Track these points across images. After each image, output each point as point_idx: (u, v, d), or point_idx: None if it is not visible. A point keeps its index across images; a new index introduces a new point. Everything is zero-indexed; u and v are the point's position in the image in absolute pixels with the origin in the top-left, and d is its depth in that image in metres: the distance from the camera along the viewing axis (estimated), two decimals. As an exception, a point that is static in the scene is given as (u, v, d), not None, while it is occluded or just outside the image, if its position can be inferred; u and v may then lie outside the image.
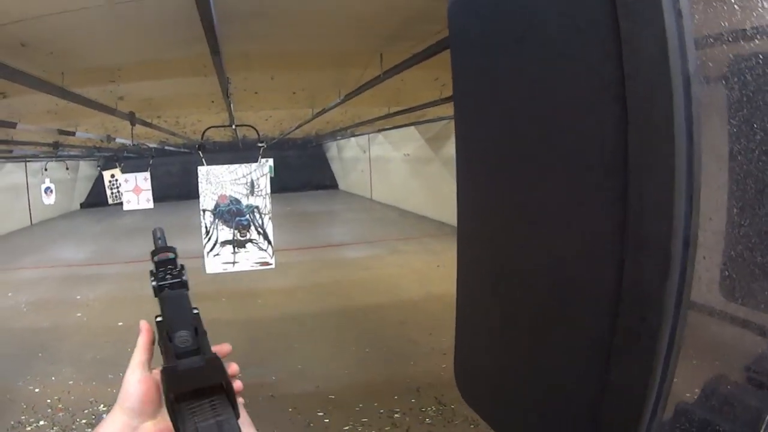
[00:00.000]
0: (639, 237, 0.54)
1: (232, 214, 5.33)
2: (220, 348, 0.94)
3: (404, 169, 18.52)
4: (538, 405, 0.74)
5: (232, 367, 0.95)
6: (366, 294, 9.28)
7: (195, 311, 0.90)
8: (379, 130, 17.76)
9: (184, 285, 0.91)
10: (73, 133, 8.65)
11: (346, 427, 4.95)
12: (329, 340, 7.36)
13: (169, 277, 0.90)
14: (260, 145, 5.43)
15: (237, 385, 0.90)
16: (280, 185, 22.42)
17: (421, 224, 15.02)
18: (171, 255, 0.95)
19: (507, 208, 0.78)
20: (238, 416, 0.79)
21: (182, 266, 0.95)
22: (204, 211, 5.30)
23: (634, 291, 0.56)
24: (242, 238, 5.34)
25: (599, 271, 0.59)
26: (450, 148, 14.27)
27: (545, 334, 0.71)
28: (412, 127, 15.57)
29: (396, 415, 5.13)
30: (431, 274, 10.15)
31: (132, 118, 7.03)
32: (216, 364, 0.79)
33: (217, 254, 5.36)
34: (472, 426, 4.76)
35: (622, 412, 0.59)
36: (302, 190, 26.12)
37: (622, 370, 0.58)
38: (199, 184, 5.26)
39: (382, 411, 5.23)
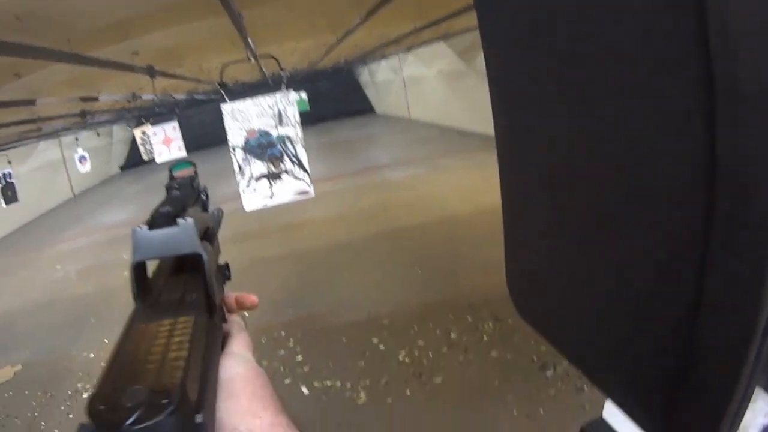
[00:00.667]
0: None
1: (262, 147, 5.25)
2: (245, 297, 0.90)
3: (439, 86, 18.08)
4: (608, 321, 0.65)
5: (250, 299, 0.90)
6: (411, 214, 9.15)
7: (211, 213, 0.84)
8: (409, 49, 17.39)
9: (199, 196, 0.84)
10: (96, 98, 8.56)
11: (403, 351, 4.90)
12: (377, 264, 7.30)
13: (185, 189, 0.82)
14: (282, 72, 5.27)
15: (251, 299, 0.89)
16: (315, 116, 22.32)
17: (462, 139, 14.73)
18: (190, 170, 0.88)
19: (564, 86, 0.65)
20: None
21: (203, 186, 0.89)
22: (234, 148, 5.23)
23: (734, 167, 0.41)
24: (276, 170, 5.27)
25: (690, 144, 0.45)
26: (482, 60, 13.88)
27: (617, 237, 0.60)
28: (442, 43, 15.19)
29: (452, 335, 5.05)
30: (477, 187, 9.94)
31: (151, 71, 6.87)
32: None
33: (254, 190, 5.30)
34: (532, 342, 4.65)
35: (726, 327, 0.47)
36: (338, 118, 25.98)
37: (725, 275, 0.45)
38: (225, 122, 5.17)
39: (438, 332, 5.15)
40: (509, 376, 4.31)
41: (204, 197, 0.85)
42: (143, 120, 10.02)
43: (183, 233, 0.65)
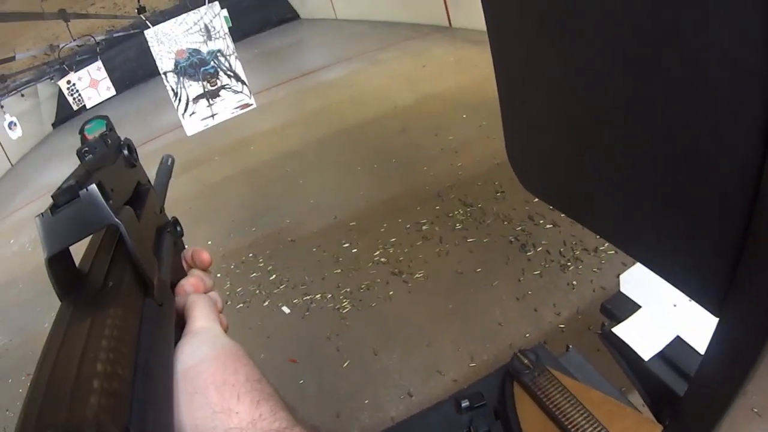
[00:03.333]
0: None
1: (194, 66, 5.02)
2: (196, 254, 0.78)
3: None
4: (655, 185, 0.59)
5: (201, 256, 0.77)
6: (358, 111, 8.94)
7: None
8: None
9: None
10: (12, 58, 8.09)
11: (377, 252, 4.80)
12: (333, 166, 7.16)
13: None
14: (202, -18, 4.95)
15: (203, 257, 0.77)
16: (240, 32, 21.71)
17: (394, 30, 14.42)
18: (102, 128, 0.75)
19: None
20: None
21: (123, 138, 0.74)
22: (165, 73, 4.98)
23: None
24: (213, 87, 5.07)
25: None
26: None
27: (651, 84, 0.53)
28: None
29: (424, 227, 4.96)
30: (419, 75, 9.80)
31: (64, 15, 6.44)
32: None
33: (193, 113, 5.11)
34: (505, 223, 4.60)
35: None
36: (263, 30, 25.41)
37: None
38: (151, 48, 4.90)
39: (408, 225, 5.06)
40: (490, 261, 4.24)
41: (126, 152, 0.70)
42: (66, 69, 9.56)
43: (87, 206, 0.52)
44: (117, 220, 0.52)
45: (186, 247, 0.81)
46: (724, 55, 0.44)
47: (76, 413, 0.37)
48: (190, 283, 0.71)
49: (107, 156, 0.65)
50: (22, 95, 18.92)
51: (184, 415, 0.52)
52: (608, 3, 0.54)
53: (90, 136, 0.71)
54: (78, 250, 0.56)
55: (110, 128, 0.73)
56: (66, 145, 18.17)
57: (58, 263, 0.52)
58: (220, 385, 0.54)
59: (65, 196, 0.51)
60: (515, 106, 0.91)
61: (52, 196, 0.52)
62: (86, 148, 0.65)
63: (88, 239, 0.60)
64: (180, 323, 0.64)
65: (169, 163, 0.88)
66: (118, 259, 0.57)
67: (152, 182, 0.80)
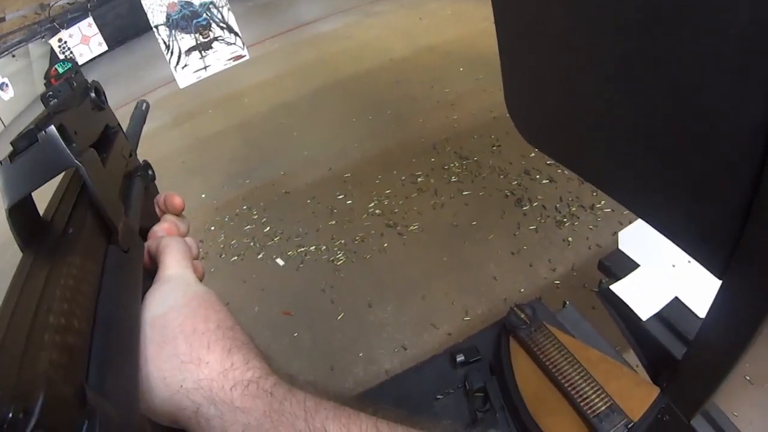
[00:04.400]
0: None
1: (186, 18, 4.94)
2: (169, 199, 0.75)
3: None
4: (662, 143, 0.58)
5: (174, 201, 0.75)
6: (353, 62, 8.82)
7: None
8: None
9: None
10: (2, 19, 7.94)
11: (372, 204, 4.78)
12: (328, 118, 7.08)
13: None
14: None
15: (176, 201, 0.75)
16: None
17: (391, -20, 14.20)
18: (67, 67, 0.62)
19: None
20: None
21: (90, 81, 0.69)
22: (156, 27, 4.91)
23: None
24: (206, 39, 5.00)
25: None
26: None
27: (662, 44, 0.52)
28: None
29: (419, 179, 4.93)
30: (415, 28, 9.67)
31: None
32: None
33: (185, 65, 5.05)
34: (501, 177, 4.58)
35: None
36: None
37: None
38: (142, 2, 4.81)
39: (403, 177, 5.03)
40: (486, 214, 4.23)
41: (93, 94, 0.66)
42: (57, 28, 9.42)
43: (47, 149, 0.49)
44: (77, 162, 0.50)
45: (159, 191, 0.79)
46: (741, 23, 0.42)
47: (26, 371, 0.35)
48: (162, 228, 0.69)
49: (72, 99, 0.62)
50: (14, 56, 18.68)
51: (151, 367, 0.50)
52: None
53: (57, 80, 0.68)
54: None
55: (76, 71, 0.69)
56: (60, 103, 18.07)
57: (20, 212, 0.50)
58: (189, 334, 0.52)
59: (24, 141, 0.49)
60: (516, 58, 0.89)
61: (11, 143, 0.50)
62: (50, 92, 0.62)
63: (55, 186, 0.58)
64: (152, 270, 0.62)
65: (143, 108, 0.86)
66: (81, 204, 0.55)
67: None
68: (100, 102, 0.67)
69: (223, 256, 4.70)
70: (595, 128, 0.71)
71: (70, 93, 0.63)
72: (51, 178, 0.50)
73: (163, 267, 0.61)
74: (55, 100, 0.61)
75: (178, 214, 0.75)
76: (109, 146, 0.64)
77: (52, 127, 0.48)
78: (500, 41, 0.91)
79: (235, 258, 4.66)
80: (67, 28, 8.93)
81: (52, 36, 9.43)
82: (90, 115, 0.64)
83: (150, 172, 0.77)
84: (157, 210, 0.75)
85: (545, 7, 0.68)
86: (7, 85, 13.08)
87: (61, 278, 0.45)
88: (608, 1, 0.56)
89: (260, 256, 4.61)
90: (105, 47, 8.98)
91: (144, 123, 0.85)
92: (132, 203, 0.65)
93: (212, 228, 5.19)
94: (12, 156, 0.49)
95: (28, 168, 0.49)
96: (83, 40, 8.73)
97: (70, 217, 0.53)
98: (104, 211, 0.53)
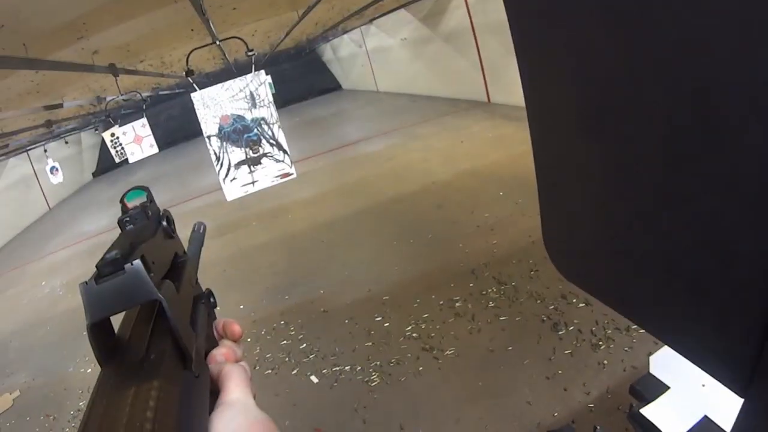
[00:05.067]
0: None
1: (238, 132, 5.13)
2: (228, 326, 0.77)
3: (405, 54, 17.92)
4: (683, 271, 0.61)
5: (233, 328, 0.77)
6: (395, 185, 9.03)
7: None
8: (371, 21, 17.25)
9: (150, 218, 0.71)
10: (60, 105, 8.40)
11: (408, 328, 4.78)
12: (370, 239, 7.17)
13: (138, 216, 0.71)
14: (250, 54, 5.12)
15: (235, 329, 0.77)
16: (282, 99, 22.19)
17: (433, 105, 14.65)
18: (143, 197, 0.76)
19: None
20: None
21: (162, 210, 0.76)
22: (209, 137, 5.10)
23: None
24: (255, 155, 5.16)
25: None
26: (446, 24, 13.79)
27: (698, 175, 0.55)
28: (403, 10, 15.06)
29: (457, 304, 4.93)
30: (456, 151, 9.89)
31: (113, 69, 6.69)
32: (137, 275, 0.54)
33: (234, 178, 5.19)
34: (538, 302, 4.57)
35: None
36: (306, 99, 25.95)
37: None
38: (197, 111, 5.04)
39: (441, 302, 5.04)
40: (522, 340, 4.20)
41: (165, 223, 0.72)
42: (111, 122, 9.86)
43: (132, 280, 0.54)
44: (160, 295, 0.54)
45: (217, 317, 0.82)
46: (759, 155, 0.47)
47: None
48: (221, 353, 0.72)
49: (147, 227, 0.67)
50: (66, 142, 19.42)
51: None
52: (646, 100, 0.57)
53: (130, 204, 0.73)
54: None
55: (150, 199, 0.75)
56: (104, 196, 18.51)
57: (100, 330, 0.55)
58: None
59: (110, 268, 0.53)
60: (553, 193, 0.94)
61: (96, 266, 0.54)
62: (127, 218, 0.68)
63: None
64: (212, 393, 0.65)
65: (201, 231, 0.89)
66: (159, 331, 0.59)
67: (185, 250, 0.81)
68: (170, 230, 0.72)
69: (257, 368, 4.70)
70: (624, 261, 0.75)
71: (145, 221, 0.68)
72: (133, 306, 0.55)
73: (225, 391, 0.63)
74: (131, 225, 0.67)
75: (236, 340, 0.78)
76: (179, 275, 0.69)
77: (139, 262, 0.53)
78: (537, 176, 0.96)
79: (269, 372, 4.65)
80: (121, 124, 9.30)
81: (105, 129, 9.82)
82: (162, 243, 0.69)
83: (212, 299, 0.80)
84: (216, 335, 0.78)
85: (577, 144, 0.74)
86: (57, 170, 13.55)
87: (149, 399, 0.49)
88: (635, 137, 0.61)
89: (294, 372, 4.59)
90: (156, 149, 9.29)
91: (202, 246, 0.88)
92: (199, 329, 0.68)
93: (248, 340, 5.20)
94: (97, 278, 0.53)
95: (113, 293, 0.53)
96: (136, 140, 9.06)
97: (149, 343, 0.57)
98: (181, 340, 0.58)
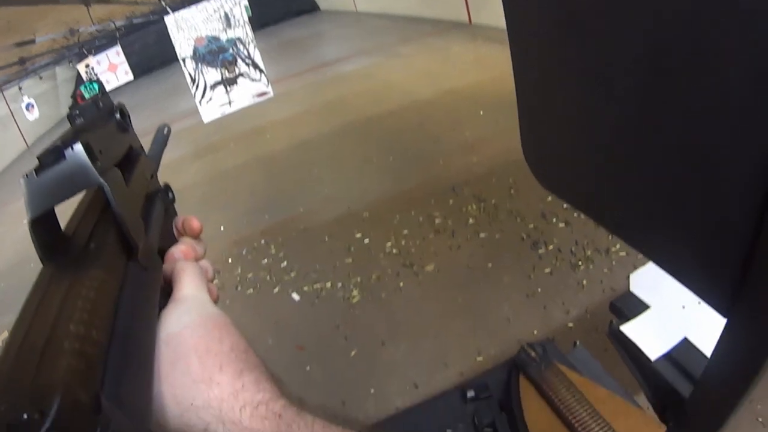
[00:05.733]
0: None
1: (213, 53, 5.04)
2: (187, 221, 0.76)
3: (386, -28, 17.39)
4: (668, 187, 0.61)
5: (191, 224, 0.76)
6: (376, 103, 8.93)
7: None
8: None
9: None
10: (33, 41, 8.12)
11: (389, 243, 4.80)
12: (349, 157, 7.15)
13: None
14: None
15: (193, 224, 0.76)
16: (258, 22, 21.67)
17: (415, 25, 14.37)
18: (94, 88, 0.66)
19: None
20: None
21: (116, 103, 0.71)
22: (183, 59, 5.00)
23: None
24: (231, 75, 5.08)
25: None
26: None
27: (671, 89, 0.54)
28: None
29: (437, 220, 4.95)
30: (438, 71, 9.77)
31: (85, 0, 6.44)
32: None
33: (210, 99, 5.12)
34: (518, 220, 4.59)
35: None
36: (282, 20, 25.37)
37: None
38: (171, 34, 4.91)
39: (421, 218, 5.05)
40: (501, 257, 4.24)
41: (118, 115, 0.68)
42: (85, 54, 9.62)
43: (73, 166, 0.51)
44: (102, 180, 0.52)
45: (178, 213, 0.80)
46: (747, 68, 0.44)
47: (43, 376, 0.36)
48: (179, 250, 0.70)
49: (98, 118, 0.64)
50: (41, 78, 19.01)
51: (163, 384, 0.51)
52: (628, 3, 0.54)
53: (84, 100, 0.70)
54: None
55: (103, 92, 0.72)
56: (81, 129, 18.27)
57: (42, 226, 0.52)
58: (202, 354, 0.53)
59: (51, 157, 0.50)
60: (533, 104, 0.91)
61: (37, 157, 0.51)
62: (77, 111, 0.65)
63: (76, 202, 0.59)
64: (168, 290, 0.63)
65: (165, 132, 0.88)
66: (103, 221, 0.56)
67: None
68: (124, 123, 0.69)
69: (239, 288, 4.73)
70: (606, 170, 0.73)
71: (96, 113, 0.65)
72: (75, 194, 0.52)
73: (179, 287, 0.62)
74: (81, 119, 0.64)
75: (196, 237, 0.77)
76: (132, 167, 0.66)
77: (79, 145, 0.50)
78: (517, 85, 0.93)
79: (251, 291, 4.69)
80: (95, 54, 9.10)
81: (80, 61, 9.62)
82: (115, 135, 0.66)
83: (170, 194, 0.79)
84: (175, 232, 0.77)
85: (559, 48, 0.71)
86: (32, 106, 13.31)
87: (83, 289, 0.47)
88: (618, 44, 0.58)
89: (276, 290, 4.63)
90: (131, 76, 9.15)
91: (165, 146, 0.87)
92: (152, 223, 0.66)
93: (229, 260, 5.22)
94: (37, 170, 0.50)
95: (53, 183, 0.50)
96: (110, 68, 8.91)
97: (91, 233, 0.55)
98: (126, 229, 0.55)
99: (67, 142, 0.51)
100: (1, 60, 9.10)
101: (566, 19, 0.66)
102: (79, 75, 11.70)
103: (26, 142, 19.37)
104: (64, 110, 24.88)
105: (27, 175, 0.50)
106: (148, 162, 0.76)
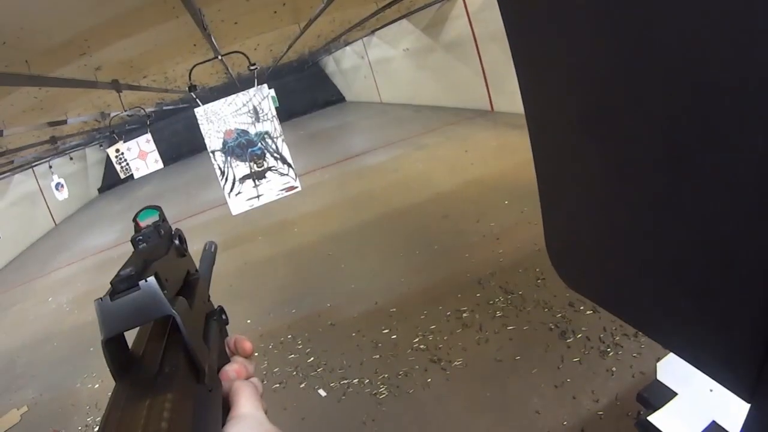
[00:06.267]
0: None
1: (242, 146, 5.13)
2: (239, 342, 0.79)
3: (407, 65, 17.96)
4: (686, 279, 0.60)
5: (244, 345, 0.79)
6: (401, 196, 9.03)
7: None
8: (372, 32, 17.32)
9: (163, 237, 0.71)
10: (64, 122, 8.44)
11: (416, 339, 4.76)
12: (375, 251, 7.16)
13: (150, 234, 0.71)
14: (252, 68, 5.12)
15: (246, 346, 0.79)
16: (286, 113, 22.22)
17: (437, 115, 14.67)
18: (155, 216, 0.76)
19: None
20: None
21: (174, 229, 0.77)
22: (213, 152, 5.11)
23: None
24: (260, 169, 5.16)
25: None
26: (447, 33, 13.84)
27: (700, 181, 0.54)
28: (405, 21, 15.12)
29: (464, 315, 4.91)
30: (461, 161, 9.88)
31: (116, 85, 6.72)
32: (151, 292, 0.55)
33: (239, 192, 5.19)
34: (545, 310, 4.55)
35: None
36: (309, 111, 26.04)
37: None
38: (200, 126, 5.05)
39: (449, 313, 5.02)
40: (530, 349, 4.18)
41: (177, 241, 0.73)
42: (115, 138, 9.91)
43: (146, 296, 0.55)
44: (173, 311, 0.55)
45: (228, 333, 0.82)
46: (758, 156, 0.46)
47: None
48: (233, 369, 0.72)
49: (160, 246, 0.68)
50: (71, 158, 19.51)
51: None
52: (644, 100, 0.56)
53: (142, 223, 0.74)
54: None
55: (163, 218, 0.76)
56: (110, 211, 18.59)
57: (114, 345, 0.55)
58: None
59: (125, 284, 0.54)
60: (554, 199, 0.93)
61: (111, 282, 0.55)
62: (140, 237, 0.68)
63: None
64: (225, 408, 0.65)
65: (212, 250, 0.90)
66: (173, 346, 0.59)
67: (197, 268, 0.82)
68: (182, 249, 0.73)
69: (265, 382, 4.66)
70: (625, 268, 0.74)
71: (158, 239, 0.69)
72: (147, 322, 0.56)
73: (237, 406, 0.64)
74: (144, 244, 0.67)
75: (247, 356, 0.79)
76: (192, 292, 0.69)
77: (153, 278, 0.54)
78: (539, 181, 0.95)
79: (277, 386, 4.64)
80: (125, 140, 9.33)
81: (110, 145, 9.87)
82: (175, 261, 0.70)
83: (224, 316, 0.80)
84: (228, 351, 0.79)
85: (578, 145, 0.73)
86: (62, 186, 13.63)
87: (164, 411, 0.49)
88: (635, 138, 0.60)
89: (302, 385, 4.58)
90: (161, 164, 9.32)
91: (213, 264, 0.89)
92: (212, 345, 0.68)
93: (256, 354, 5.17)
94: (112, 295, 0.54)
95: (128, 310, 0.54)
96: (140, 155, 9.09)
97: (163, 357, 0.58)
98: (195, 355, 0.58)
99: (140, 271, 0.55)
100: (33, 137, 9.38)
101: (585, 114, 0.68)
102: (108, 158, 11.97)
103: (54, 220, 19.73)
104: (93, 192, 25.42)
105: (101, 299, 0.54)
106: (204, 285, 0.79)
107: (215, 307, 0.80)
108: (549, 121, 0.80)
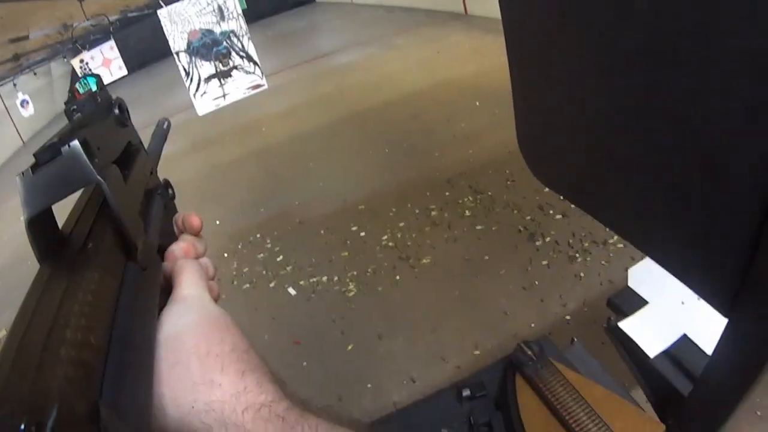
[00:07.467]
0: None
1: (207, 46, 5.00)
2: (187, 218, 0.74)
3: (380, -38, 17.32)
4: (671, 181, 0.58)
5: (191, 221, 0.74)
6: (371, 95, 8.88)
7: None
8: None
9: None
10: (26, 37, 8.09)
11: (385, 236, 4.79)
12: (344, 150, 7.11)
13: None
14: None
15: (193, 221, 0.74)
16: (253, 14, 21.59)
17: (411, 16, 14.31)
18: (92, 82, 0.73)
19: None
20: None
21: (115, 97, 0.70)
22: (177, 53, 4.97)
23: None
24: (225, 68, 5.05)
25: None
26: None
27: (673, 80, 0.51)
28: None
29: (433, 212, 4.94)
30: (433, 61, 9.71)
31: None
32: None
33: (204, 92, 5.09)
34: (515, 212, 4.58)
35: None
36: (278, 12, 25.29)
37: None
38: (164, 28, 4.88)
39: (417, 211, 5.03)
40: (498, 249, 4.22)
41: (117, 110, 0.66)
42: (79, 49, 9.57)
43: (70, 163, 0.49)
44: (99, 178, 0.50)
45: (178, 211, 0.79)
46: (750, 61, 0.43)
47: (40, 384, 0.35)
48: (179, 248, 0.68)
49: (96, 114, 0.62)
50: (35, 74, 18.97)
51: (163, 387, 0.49)
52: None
53: (80, 95, 0.68)
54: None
55: (101, 87, 0.71)
56: (77, 123, 18.24)
57: (39, 225, 0.50)
58: (203, 356, 0.51)
59: (47, 154, 0.49)
60: (528, 96, 0.90)
61: (33, 154, 0.50)
62: (75, 107, 0.63)
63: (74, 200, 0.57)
64: (167, 290, 0.62)
65: (164, 126, 0.86)
66: (102, 220, 0.55)
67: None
68: (123, 118, 0.67)
69: (235, 283, 4.71)
70: (604, 164, 0.71)
71: (94, 108, 0.64)
72: (72, 192, 0.50)
73: (178, 287, 0.60)
74: (79, 114, 0.62)
75: (196, 234, 0.75)
76: (130, 163, 0.64)
77: (76, 142, 0.48)
78: (512, 78, 0.91)
79: (247, 285, 4.67)
80: (89, 49, 9.06)
81: (74, 56, 9.57)
82: (113, 131, 0.64)
83: (170, 190, 0.77)
84: (175, 229, 0.75)
85: (555, 35, 0.69)
86: (27, 102, 13.29)
87: (80, 292, 0.45)
88: (615, 32, 0.56)
89: (272, 284, 4.61)
90: (125, 71, 9.10)
91: (165, 141, 0.85)
92: (152, 221, 0.65)
93: (225, 255, 5.20)
94: (34, 168, 0.49)
95: (50, 181, 0.48)
96: (104, 63, 8.85)
97: (89, 233, 0.53)
98: (125, 228, 0.53)
99: (64, 138, 0.49)
100: (-6, 56, 9.08)
101: (566, 9, 0.64)
102: (74, 70, 11.65)
103: (22, 139, 19.33)
104: (60, 106, 24.87)
105: (23, 173, 0.49)
106: (148, 158, 0.74)
107: (161, 181, 0.76)
108: (528, 13, 0.76)
